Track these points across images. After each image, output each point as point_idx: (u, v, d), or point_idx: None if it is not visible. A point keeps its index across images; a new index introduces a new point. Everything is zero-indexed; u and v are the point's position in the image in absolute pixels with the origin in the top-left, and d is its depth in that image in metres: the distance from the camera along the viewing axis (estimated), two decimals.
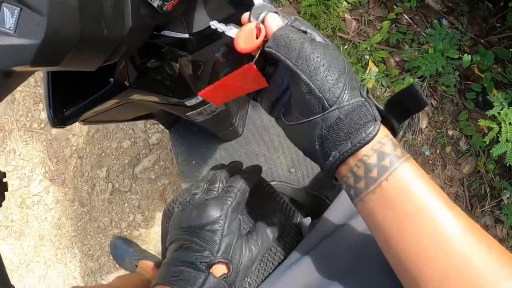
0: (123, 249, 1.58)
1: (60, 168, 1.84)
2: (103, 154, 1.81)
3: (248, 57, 0.48)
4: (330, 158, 0.43)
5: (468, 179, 1.81)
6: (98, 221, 1.78)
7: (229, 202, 0.54)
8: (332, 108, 0.42)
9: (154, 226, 1.75)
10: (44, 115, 1.87)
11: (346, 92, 0.42)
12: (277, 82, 0.49)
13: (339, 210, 0.65)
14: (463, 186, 1.80)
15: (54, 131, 1.86)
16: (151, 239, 1.74)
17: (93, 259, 1.76)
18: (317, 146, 0.44)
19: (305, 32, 0.44)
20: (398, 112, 0.44)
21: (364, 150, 0.42)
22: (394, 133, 0.44)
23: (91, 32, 0.43)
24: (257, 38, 0.45)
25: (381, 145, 0.41)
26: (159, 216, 1.76)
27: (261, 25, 0.45)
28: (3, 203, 0.51)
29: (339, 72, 0.42)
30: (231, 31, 0.49)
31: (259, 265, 0.60)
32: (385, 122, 0.44)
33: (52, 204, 1.82)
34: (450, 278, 0.38)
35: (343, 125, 0.41)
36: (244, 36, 0.46)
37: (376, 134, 0.41)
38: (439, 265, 0.39)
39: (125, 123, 1.81)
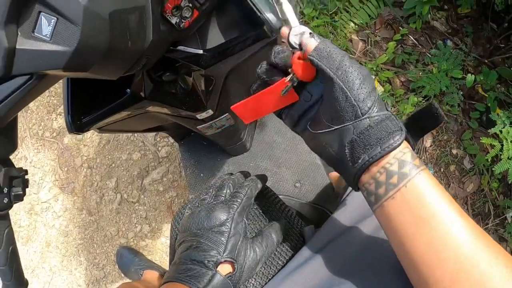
0: (129, 259, 1.60)
1: (70, 177, 1.87)
2: (113, 165, 1.85)
3: (282, 74, 0.52)
4: (359, 161, 0.46)
5: (472, 197, 1.82)
6: (105, 230, 1.80)
7: (235, 206, 0.58)
8: (364, 117, 0.45)
9: (161, 237, 1.78)
10: (56, 124, 1.92)
11: (376, 105, 0.45)
12: (305, 97, 0.53)
13: (344, 215, 0.68)
14: (466, 205, 1.80)
15: (66, 140, 1.90)
16: (157, 250, 1.76)
17: (99, 268, 1.78)
18: (346, 151, 0.47)
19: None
20: (415, 128, 0.48)
21: (387, 158, 0.45)
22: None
23: (118, 43, 0.47)
24: (299, 58, 0.49)
25: (402, 154, 0.45)
26: (166, 227, 1.78)
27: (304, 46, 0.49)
28: (13, 207, 0.54)
29: (371, 88, 0.46)
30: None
31: (263, 268, 0.63)
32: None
33: (60, 212, 1.85)
34: (460, 280, 0.41)
35: (373, 132, 0.45)
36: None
37: (401, 142, 0.44)
38: (450, 268, 0.41)
39: (136, 135, 1.85)
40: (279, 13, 0.72)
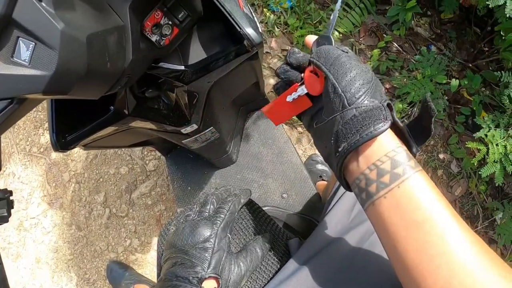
0: (119, 273, 1.59)
1: (59, 192, 1.86)
2: (101, 179, 1.84)
3: (298, 75, 0.55)
4: (339, 149, 0.46)
5: (460, 201, 1.83)
6: (95, 245, 1.79)
7: (218, 221, 0.59)
8: (350, 107, 0.45)
9: (150, 251, 1.77)
10: (43, 140, 1.91)
11: (367, 97, 0.45)
12: (318, 99, 0.53)
13: (328, 228, 0.68)
14: (455, 208, 1.82)
15: (54, 155, 1.89)
16: (147, 263, 1.75)
17: (89, 283, 1.76)
18: (332, 141, 0.48)
19: (347, 52, 0.49)
20: (417, 130, 0.47)
21: (377, 155, 0.44)
22: (410, 150, 0.47)
23: (97, 65, 0.47)
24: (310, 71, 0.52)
25: (395, 153, 0.44)
26: (155, 241, 1.77)
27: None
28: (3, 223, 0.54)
29: (365, 81, 0.46)
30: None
31: (248, 282, 0.63)
32: (404, 140, 0.47)
33: (49, 228, 1.83)
34: (452, 286, 0.39)
35: (357, 121, 0.44)
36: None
37: (384, 130, 0.43)
38: (443, 274, 0.40)
39: (123, 149, 1.84)
40: (259, 27, 0.73)
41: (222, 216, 0.59)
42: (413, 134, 0.47)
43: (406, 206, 0.43)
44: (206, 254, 0.55)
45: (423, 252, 0.41)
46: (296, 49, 0.53)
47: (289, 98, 0.53)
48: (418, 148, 0.48)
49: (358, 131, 0.44)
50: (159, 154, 1.81)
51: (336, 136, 0.47)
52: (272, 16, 1.86)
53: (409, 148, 0.47)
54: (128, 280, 1.52)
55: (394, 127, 0.47)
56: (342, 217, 0.69)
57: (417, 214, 0.42)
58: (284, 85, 0.56)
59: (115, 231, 1.79)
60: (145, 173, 1.83)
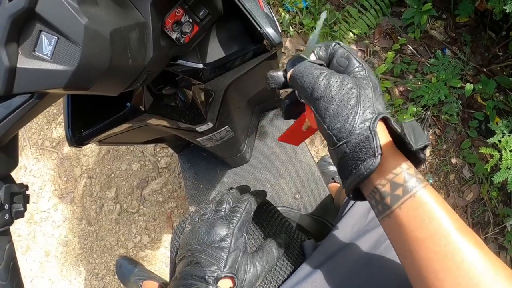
0: (128, 269, 1.59)
1: (70, 187, 1.87)
2: (113, 175, 1.85)
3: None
4: (343, 186, 0.47)
5: (472, 206, 1.82)
6: (105, 240, 1.80)
7: (235, 221, 0.59)
8: (340, 143, 0.45)
9: (160, 248, 1.77)
10: (56, 134, 1.92)
11: (356, 125, 0.44)
12: None
13: (344, 230, 0.68)
14: (466, 214, 1.80)
15: (66, 150, 1.90)
16: (156, 260, 1.76)
17: (98, 278, 1.77)
18: (338, 172, 0.48)
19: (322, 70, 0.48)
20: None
21: (377, 180, 0.44)
22: (416, 159, 0.46)
23: (119, 61, 0.47)
24: None
25: (394, 176, 0.43)
26: (165, 238, 1.78)
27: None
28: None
29: (351, 106, 0.44)
30: None
31: (263, 283, 0.63)
32: (406, 151, 0.46)
33: (60, 221, 1.85)
34: None
35: (349, 159, 0.44)
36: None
37: (374, 168, 0.43)
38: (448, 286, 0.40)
39: (136, 146, 1.85)
40: (278, 27, 0.72)
41: (238, 215, 0.59)
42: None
43: (408, 225, 0.43)
44: (223, 254, 0.55)
45: (428, 266, 0.42)
46: (273, 73, 0.52)
47: (304, 127, 0.53)
48: (423, 152, 0.46)
49: (351, 173, 0.45)
50: (171, 151, 1.82)
51: (338, 168, 0.47)
52: (287, 16, 1.86)
53: (415, 159, 0.46)
54: (137, 276, 1.53)
55: (399, 140, 0.46)
56: (358, 220, 0.69)
57: (420, 231, 0.42)
58: (288, 107, 0.55)
59: (125, 227, 1.80)
60: (157, 170, 1.83)
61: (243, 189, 0.68)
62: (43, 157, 1.92)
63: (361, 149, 0.43)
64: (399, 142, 0.46)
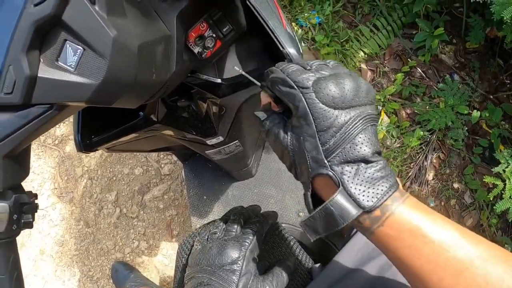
0: (124, 274, 1.58)
1: (70, 187, 1.86)
2: (114, 178, 1.84)
3: None
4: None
5: None
6: (102, 243, 1.78)
7: (247, 243, 0.57)
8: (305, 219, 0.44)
9: (158, 255, 1.76)
10: (59, 132, 1.91)
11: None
12: None
13: (349, 255, 0.68)
14: None
15: (68, 148, 1.89)
16: (153, 267, 1.74)
17: (92, 281, 1.75)
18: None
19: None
20: None
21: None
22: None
23: (143, 76, 0.46)
24: None
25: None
26: (163, 245, 1.76)
27: None
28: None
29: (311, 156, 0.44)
30: None
31: None
32: None
33: (57, 221, 1.83)
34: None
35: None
36: None
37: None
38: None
39: None
40: (300, 48, 0.72)
41: (250, 237, 0.58)
42: None
43: (390, 244, 0.42)
44: (234, 277, 0.54)
45: (420, 278, 0.41)
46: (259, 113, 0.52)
47: None
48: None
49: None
50: (175, 158, 1.81)
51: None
52: (300, 31, 1.87)
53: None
54: (133, 282, 1.51)
55: None
56: (363, 246, 0.68)
57: (402, 249, 0.41)
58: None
59: (123, 232, 1.78)
60: (159, 176, 1.82)
61: (254, 210, 0.68)
62: (44, 154, 1.91)
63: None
64: None
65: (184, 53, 0.62)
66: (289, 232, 1.02)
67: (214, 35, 0.66)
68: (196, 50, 0.65)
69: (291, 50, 0.69)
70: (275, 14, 0.69)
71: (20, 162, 0.47)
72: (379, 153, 0.44)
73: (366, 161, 0.42)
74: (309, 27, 1.88)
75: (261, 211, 0.69)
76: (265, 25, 0.69)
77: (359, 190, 0.42)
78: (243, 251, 0.56)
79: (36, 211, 0.52)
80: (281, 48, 0.69)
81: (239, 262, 0.55)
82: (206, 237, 0.61)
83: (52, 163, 1.90)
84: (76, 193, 1.85)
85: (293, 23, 1.90)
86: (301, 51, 0.72)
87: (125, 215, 1.80)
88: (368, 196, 0.41)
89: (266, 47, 0.77)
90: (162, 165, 1.83)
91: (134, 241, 1.77)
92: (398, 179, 0.45)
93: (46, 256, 1.81)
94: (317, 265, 0.71)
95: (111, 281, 1.66)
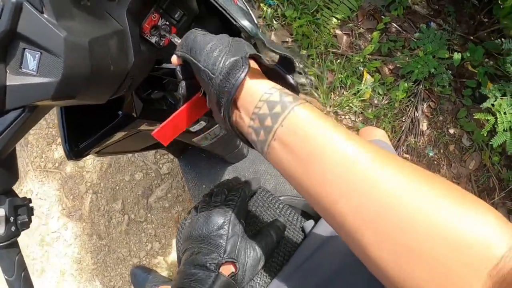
0: (143, 277, 1.61)
1: (77, 204, 1.89)
2: (117, 187, 1.87)
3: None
4: (221, 114, 0.47)
5: (475, 174, 1.83)
6: (117, 252, 1.82)
7: (231, 209, 0.61)
8: (216, 76, 0.46)
9: (172, 253, 1.79)
10: (57, 155, 1.94)
11: (227, 59, 0.46)
12: None
13: None
14: (471, 182, 1.82)
15: (69, 169, 1.92)
16: (169, 265, 1.78)
17: None
18: (220, 113, 0.48)
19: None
20: (285, 65, 0.50)
21: (254, 102, 0.45)
22: (293, 89, 0.49)
23: (100, 68, 0.49)
24: None
25: (269, 95, 0.44)
26: (176, 242, 1.79)
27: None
28: (24, 240, 0.56)
29: (221, 47, 0.47)
30: None
31: (268, 265, 0.65)
32: (280, 80, 0.50)
33: (71, 240, 1.87)
34: (362, 205, 0.37)
35: (224, 84, 0.45)
36: None
37: (244, 76, 0.44)
38: (349, 195, 0.38)
39: (136, 155, 1.87)
40: (254, 19, 0.73)
41: (233, 203, 0.61)
42: (284, 68, 0.50)
43: (294, 142, 0.41)
44: (221, 241, 0.57)
45: (326, 181, 0.39)
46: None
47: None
48: (294, 78, 0.50)
49: (225, 89, 0.45)
50: (171, 156, 1.83)
51: (219, 106, 0.47)
52: (269, 10, 1.87)
53: (289, 85, 0.49)
54: (152, 282, 1.55)
55: (272, 73, 0.50)
56: None
57: (307, 146, 0.41)
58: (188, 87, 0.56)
59: (135, 237, 1.82)
60: (159, 176, 1.85)
61: (236, 179, 0.70)
62: (47, 179, 1.94)
63: (232, 71, 0.45)
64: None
65: (142, 44, 0.63)
66: (289, 202, 1.05)
67: (167, 23, 0.67)
68: (153, 39, 0.67)
69: (244, 23, 0.71)
70: None
71: (8, 167, 0.51)
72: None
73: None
74: (277, 4, 1.88)
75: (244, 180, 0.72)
76: (215, 3, 0.71)
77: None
78: (228, 216, 0.59)
79: (32, 214, 0.56)
80: (234, 23, 0.71)
81: (224, 226, 0.58)
82: (195, 213, 0.64)
83: (56, 186, 1.93)
84: (84, 210, 1.88)
85: (261, 4, 1.90)
86: (255, 21, 0.73)
87: (134, 220, 1.83)
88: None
89: (224, 24, 0.78)
90: (161, 165, 1.85)
91: (147, 243, 1.80)
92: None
93: (67, 275, 1.84)
94: (309, 221, 0.73)
95: (132, 287, 1.70)
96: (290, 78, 0.50)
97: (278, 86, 0.46)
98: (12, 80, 0.43)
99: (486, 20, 1.88)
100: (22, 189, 1.91)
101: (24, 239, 1.85)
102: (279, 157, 0.44)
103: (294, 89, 0.49)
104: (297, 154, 0.41)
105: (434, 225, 0.33)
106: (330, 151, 0.39)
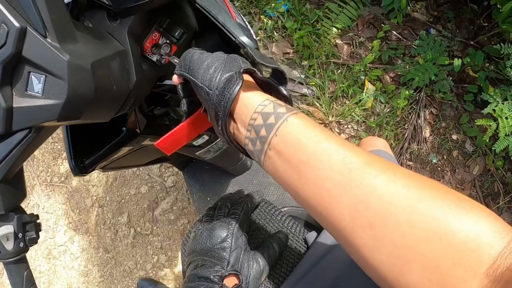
0: None
1: (83, 218, 1.90)
2: (123, 200, 1.88)
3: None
4: (219, 127, 0.49)
5: (479, 179, 1.82)
6: (124, 265, 1.82)
7: (233, 222, 0.62)
8: (212, 91, 0.48)
9: (178, 265, 1.79)
10: (63, 169, 1.96)
11: (222, 75, 0.48)
12: None
13: None
14: (475, 187, 1.81)
15: (74, 183, 1.93)
16: (176, 277, 1.78)
17: None
18: (218, 126, 0.50)
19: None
20: (278, 77, 0.53)
21: (249, 114, 0.47)
22: (286, 99, 0.52)
23: (103, 89, 0.51)
24: None
25: (263, 107, 0.46)
26: None
27: None
28: (32, 253, 0.57)
29: (217, 64, 0.49)
30: None
31: (271, 276, 0.66)
32: (274, 91, 0.52)
33: (78, 253, 1.88)
34: (359, 212, 0.37)
35: (220, 98, 0.47)
36: None
37: (238, 89, 0.46)
38: (345, 202, 0.38)
39: (141, 169, 1.88)
40: (253, 35, 0.75)
41: (236, 216, 0.63)
42: (277, 80, 0.53)
43: (288, 150, 0.43)
44: (224, 253, 0.58)
45: (319, 187, 0.40)
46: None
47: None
48: (286, 89, 0.52)
49: (221, 103, 0.47)
50: (176, 170, 1.85)
51: (216, 119, 0.49)
52: (269, 22, 1.89)
53: (283, 96, 0.52)
54: None
55: (267, 85, 0.53)
56: None
57: (301, 154, 0.42)
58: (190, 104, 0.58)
59: (141, 249, 1.83)
60: (164, 189, 1.86)
61: (239, 193, 0.71)
62: (53, 193, 1.96)
63: (228, 85, 0.47)
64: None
65: (143, 63, 0.65)
66: (293, 213, 1.05)
67: (168, 41, 0.69)
68: (154, 58, 0.68)
69: (243, 39, 0.72)
70: (224, 9, 0.72)
71: (15, 185, 0.52)
72: None
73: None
74: (277, 16, 1.90)
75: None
76: (215, 21, 0.73)
77: None
78: (231, 229, 0.60)
79: (40, 229, 0.57)
80: (234, 39, 0.72)
81: (228, 239, 0.59)
82: (199, 226, 0.65)
83: (62, 200, 1.95)
84: (90, 223, 1.89)
85: (261, 16, 1.92)
86: (254, 37, 0.74)
87: (139, 233, 1.84)
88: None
89: (224, 40, 0.80)
90: (166, 178, 1.86)
91: (153, 256, 1.81)
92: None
93: None
94: (311, 232, 0.73)
95: None
96: (283, 89, 0.52)
97: (272, 98, 0.49)
98: (19, 102, 0.44)
99: (485, 24, 1.89)
100: (28, 203, 1.93)
101: (31, 252, 1.87)
102: (275, 166, 0.45)
103: (287, 99, 0.52)
104: (292, 162, 0.43)
105: (430, 227, 0.34)
106: (324, 159, 0.41)
